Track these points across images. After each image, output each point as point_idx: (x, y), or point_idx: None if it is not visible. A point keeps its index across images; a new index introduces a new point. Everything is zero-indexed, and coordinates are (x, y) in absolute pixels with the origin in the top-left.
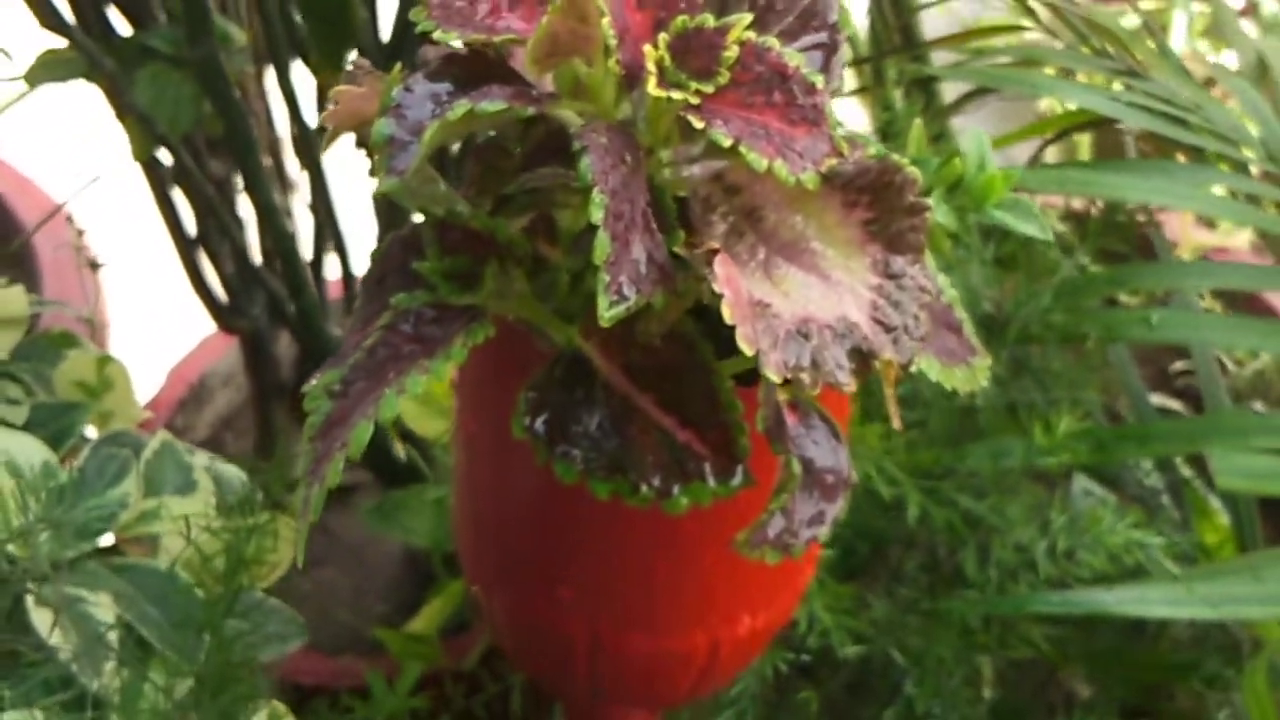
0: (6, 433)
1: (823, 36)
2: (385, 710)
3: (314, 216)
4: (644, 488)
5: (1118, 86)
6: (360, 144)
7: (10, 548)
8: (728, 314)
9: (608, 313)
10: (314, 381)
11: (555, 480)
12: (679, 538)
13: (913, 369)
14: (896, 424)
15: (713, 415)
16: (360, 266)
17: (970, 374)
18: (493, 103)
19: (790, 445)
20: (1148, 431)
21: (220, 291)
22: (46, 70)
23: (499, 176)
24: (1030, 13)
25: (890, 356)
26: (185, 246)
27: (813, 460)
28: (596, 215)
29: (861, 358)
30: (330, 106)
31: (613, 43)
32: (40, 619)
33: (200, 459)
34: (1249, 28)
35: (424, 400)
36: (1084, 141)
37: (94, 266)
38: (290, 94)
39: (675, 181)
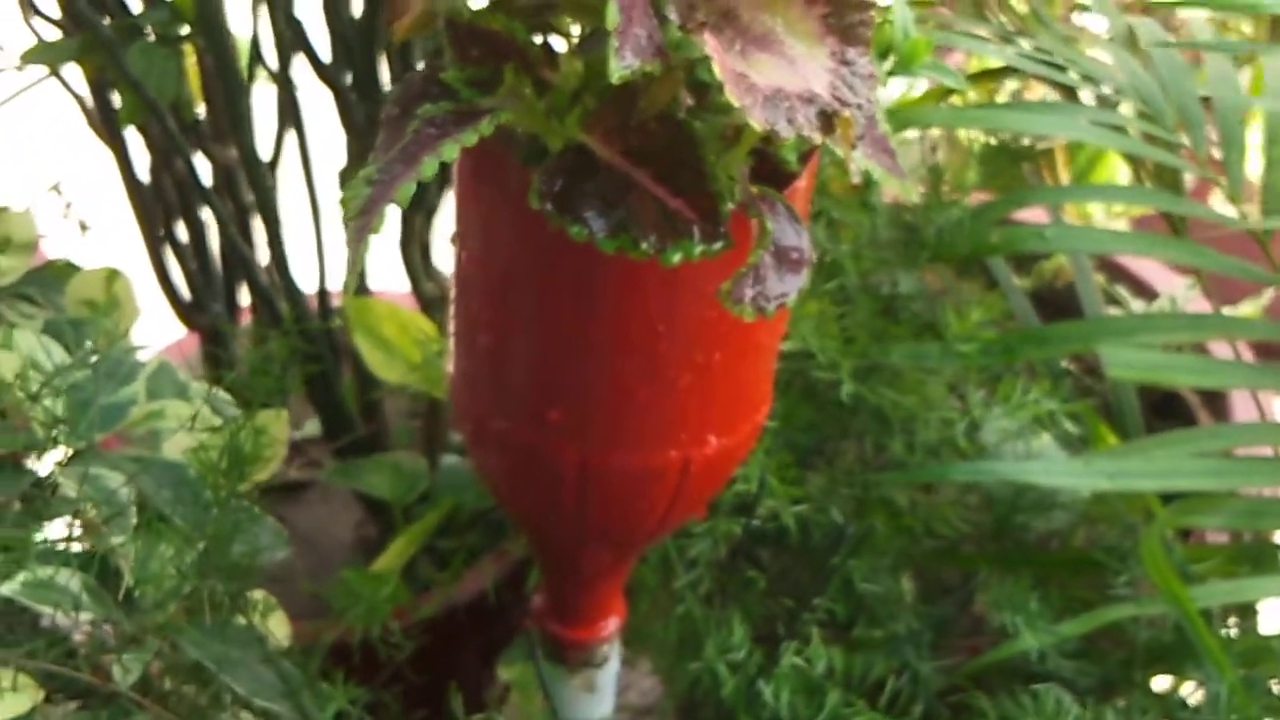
0: (30, 333)
1: None
2: (368, 600)
3: None
4: (643, 244)
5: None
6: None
7: (38, 430)
8: (717, 72)
9: (617, 73)
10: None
11: (549, 310)
12: (657, 362)
13: (861, 167)
14: (856, 180)
15: (699, 185)
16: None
17: (903, 188)
18: None
19: (762, 211)
20: (1046, 334)
21: (183, 289)
22: (43, 54)
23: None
24: None
25: (848, 115)
26: (153, 242)
27: (780, 239)
28: None
29: (826, 118)
30: None
31: None
32: (68, 489)
33: (195, 383)
34: None
35: (389, 349)
36: None
37: (83, 228)
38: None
39: None
